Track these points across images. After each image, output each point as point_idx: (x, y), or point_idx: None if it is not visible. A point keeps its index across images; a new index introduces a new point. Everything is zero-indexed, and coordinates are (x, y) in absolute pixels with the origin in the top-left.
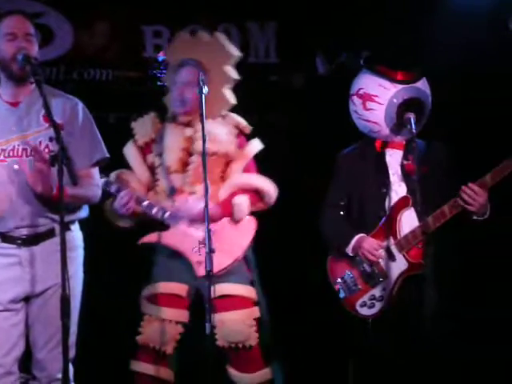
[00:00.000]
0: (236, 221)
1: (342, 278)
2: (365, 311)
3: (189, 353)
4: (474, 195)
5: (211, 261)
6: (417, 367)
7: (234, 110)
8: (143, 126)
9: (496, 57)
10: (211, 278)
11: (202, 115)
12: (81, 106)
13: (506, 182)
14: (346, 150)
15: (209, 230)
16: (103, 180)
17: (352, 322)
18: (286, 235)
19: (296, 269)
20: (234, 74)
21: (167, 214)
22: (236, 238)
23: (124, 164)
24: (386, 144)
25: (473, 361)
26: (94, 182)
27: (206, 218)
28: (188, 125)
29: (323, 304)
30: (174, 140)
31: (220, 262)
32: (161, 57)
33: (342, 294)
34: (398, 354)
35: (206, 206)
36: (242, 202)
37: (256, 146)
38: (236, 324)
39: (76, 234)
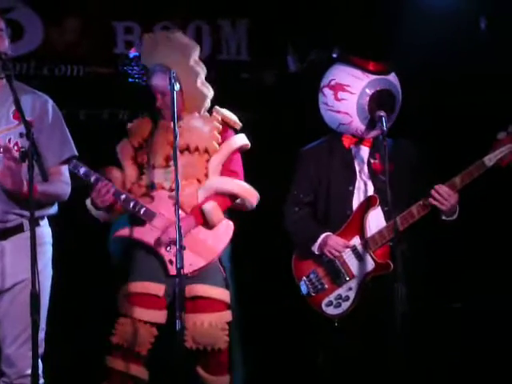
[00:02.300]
0: (210, 227)
1: (308, 277)
2: (331, 310)
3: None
4: (445, 196)
5: (182, 258)
6: (386, 366)
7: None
8: (138, 127)
9: (467, 57)
10: (181, 275)
11: (173, 113)
12: (51, 103)
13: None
14: (310, 145)
15: (179, 228)
16: (84, 169)
17: (319, 321)
18: (256, 233)
19: (267, 268)
20: (201, 66)
21: (143, 210)
22: (212, 241)
23: (96, 159)
24: (353, 140)
25: (445, 357)
26: (64, 180)
27: (176, 214)
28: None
29: (292, 302)
30: (160, 137)
31: (193, 263)
32: (132, 53)
33: (305, 292)
34: (365, 353)
35: (177, 203)
36: (211, 210)
37: (240, 139)
38: (206, 327)
39: (45, 230)
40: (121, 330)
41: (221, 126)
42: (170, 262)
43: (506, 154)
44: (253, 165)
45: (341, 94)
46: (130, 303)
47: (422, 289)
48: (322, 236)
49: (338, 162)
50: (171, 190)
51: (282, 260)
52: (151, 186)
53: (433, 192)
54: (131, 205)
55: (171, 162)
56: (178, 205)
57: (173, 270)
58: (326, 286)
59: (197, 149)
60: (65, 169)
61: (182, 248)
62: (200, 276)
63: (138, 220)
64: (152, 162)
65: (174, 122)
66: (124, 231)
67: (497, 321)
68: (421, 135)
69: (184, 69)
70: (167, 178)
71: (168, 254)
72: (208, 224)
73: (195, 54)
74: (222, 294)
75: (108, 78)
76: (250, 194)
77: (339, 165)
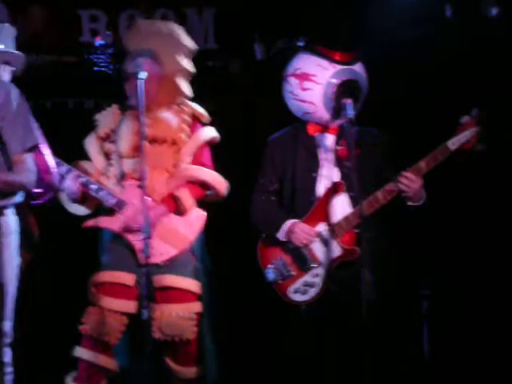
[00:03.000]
0: (181, 213)
1: (274, 264)
2: (297, 297)
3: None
4: (409, 182)
5: (149, 248)
6: (352, 352)
7: None
8: (105, 117)
9: (432, 45)
10: (148, 265)
11: (140, 101)
12: (15, 91)
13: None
14: (276, 134)
15: (147, 219)
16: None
17: (285, 308)
18: (225, 222)
19: (230, 254)
20: (189, 67)
21: (114, 200)
22: (184, 230)
23: (61, 148)
24: (318, 128)
25: (412, 343)
26: (28, 168)
27: (143, 206)
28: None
29: (256, 290)
30: (128, 126)
31: (164, 253)
32: (98, 41)
33: (271, 279)
34: (332, 339)
35: (143, 189)
36: (183, 196)
37: (209, 133)
38: (174, 317)
39: (10, 219)
40: (89, 319)
41: (190, 119)
42: (142, 251)
43: (469, 138)
44: (219, 152)
45: (306, 84)
46: (100, 292)
47: (390, 276)
48: (288, 223)
49: (302, 150)
50: (140, 180)
51: (251, 248)
52: (121, 176)
53: (399, 177)
54: (102, 194)
55: (139, 152)
56: (144, 193)
57: (144, 260)
58: (293, 273)
59: (165, 140)
60: (29, 157)
61: (148, 238)
62: (171, 266)
63: (109, 210)
64: (120, 151)
65: (142, 111)
66: (96, 221)
67: (464, 307)
68: (386, 122)
69: (172, 63)
70: (136, 167)
71: (139, 243)
72: (179, 212)
73: (188, 52)
74: (192, 284)
75: (74, 67)
76: (220, 183)
77: (304, 152)
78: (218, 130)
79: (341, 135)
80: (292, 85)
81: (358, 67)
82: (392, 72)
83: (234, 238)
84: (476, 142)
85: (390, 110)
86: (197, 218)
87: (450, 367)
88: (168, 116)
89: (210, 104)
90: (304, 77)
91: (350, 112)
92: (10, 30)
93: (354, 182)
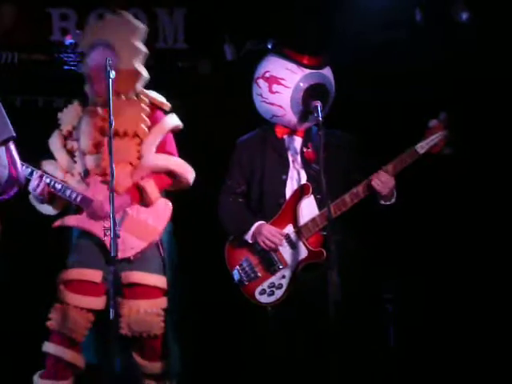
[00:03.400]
0: (147, 204)
1: (241, 265)
2: (264, 299)
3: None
4: (383, 181)
5: (116, 247)
6: (320, 352)
7: None
8: (67, 115)
9: (401, 49)
10: (115, 262)
11: (109, 100)
12: None
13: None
14: (245, 136)
15: (114, 218)
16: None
17: (251, 309)
18: (195, 221)
19: (197, 256)
20: (142, 48)
21: (79, 198)
22: (152, 221)
23: (30, 147)
24: (286, 131)
25: (377, 344)
26: (1, 162)
27: (111, 204)
28: (103, 105)
29: (224, 291)
30: (89, 122)
31: (135, 246)
32: (68, 40)
33: (237, 280)
34: (299, 340)
35: (112, 191)
36: (148, 186)
37: (171, 121)
38: (141, 314)
39: None
40: (56, 315)
41: (148, 109)
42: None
43: (437, 142)
44: (188, 153)
45: (275, 87)
46: (67, 290)
47: (356, 278)
48: (256, 225)
49: (270, 152)
50: (104, 175)
51: (218, 248)
52: (84, 173)
53: (373, 178)
54: (68, 193)
55: (102, 148)
56: (112, 192)
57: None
58: (259, 274)
59: (126, 133)
60: (1, 151)
61: (116, 236)
62: (138, 262)
63: (77, 208)
64: (82, 148)
65: (110, 110)
66: (65, 220)
67: (430, 309)
68: (356, 125)
69: (126, 48)
70: (98, 163)
71: (107, 238)
72: (145, 203)
73: (140, 34)
74: (159, 280)
75: (44, 65)
76: (185, 170)
77: (272, 154)
78: (187, 131)
79: (308, 138)
80: (261, 87)
81: (326, 71)
82: (362, 75)
83: (203, 234)
84: (444, 145)
85: (359, 113)
86: (164, 208)
87: (417, 367)
88: (126, 108)
89: (180, 103)
90: (273, 80)
91: (320, 114)
92: None
93: (323, 185)
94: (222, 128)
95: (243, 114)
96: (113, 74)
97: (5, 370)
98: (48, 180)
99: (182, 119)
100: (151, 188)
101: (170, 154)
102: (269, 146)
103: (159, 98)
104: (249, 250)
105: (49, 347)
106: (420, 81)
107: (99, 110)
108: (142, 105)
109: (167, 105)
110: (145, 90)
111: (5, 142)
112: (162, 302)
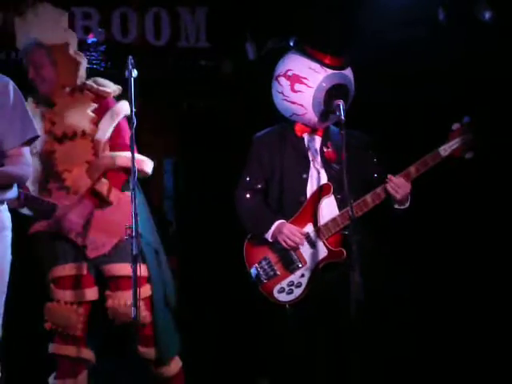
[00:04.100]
0: (110, 204)
1: (260, 263)
2: (282, 297)
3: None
4: (399, 186)
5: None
6: (338, 352)
7: (159, 94)
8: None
9: (425, 51)
10: (137, 260)
11: (131, 100)
12: (12, 84)
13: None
14: (261, 132)
15: (136, 215)
16: None
17: (270, 308)
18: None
19: (215, 253)
20: (71, 34)
21: (44, 204)
22: (117, 218)
23: None
24: (306, 129)
25: (399, 344)
26: (25, 161)
27: (132, 202)
28: (50, 104)
29: (241, 289)
30: (39, 126)
31: (106, 243)
32: (90, 39)
33: (256, 278)
34: (316, 339)
35: (133, 189)
36: (103, 188)
37: (121, 109)
38: (122, 306)
39: (4, 215)
40: (49, 315)
41: (95, 104)
42: (84, 246)
43: (460, 145)
44: (211, 151)
45: (297, 86)
46: (56, 287)
47: (379, 278)
48: (276, 223)
49: (290, 150)
50: (62, 180)
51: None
52: (46, 179)
53: (388, 182)
54: (32, 200)
55: (54, 154)
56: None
57: (90, 253)
58: (278, 273)
59: (75, 133)
60: (26, 150)
61: (138, 235)
62: (116, 254)
63: (42, 214)
64: (37, 153)
65: (132, 105)
66: (38, 226)
67: (451, 309)
68: (376, 126)
69: (55, 37)
70: (55, 170)
71: (79, 239)
72: (105, 201)
73: (64, 21)
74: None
75: None
76: (141, 165)
77: (292, 153)
78: (211, 129)
79: (327, 137)
80: (283, 85)
81: (348, 72)
82: (381, 75)
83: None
84: (466, 149)
85: (380, 114)
86: (125, 202)
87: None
88: (71, 107)
89: (202, 102)
90: (296, 79)
91: (342, 113)
92: None
93: (345, 185)
94: (244, 126)
95: (265, 112)
96: (135, 72)
97: (22, 376)
98: (14, 194)
99: (205, 118)
100: (108, 190)
101: (124, 145)
102: (288, 145)
103: (104, 86)
104: (268, 248)
105: (53, 348)
106: (440, 81)
107: (47, 111)
108: (88, 100)
109: (114, 90)
110: (89, 82)
111: (29, 142)
112: (146, 289)
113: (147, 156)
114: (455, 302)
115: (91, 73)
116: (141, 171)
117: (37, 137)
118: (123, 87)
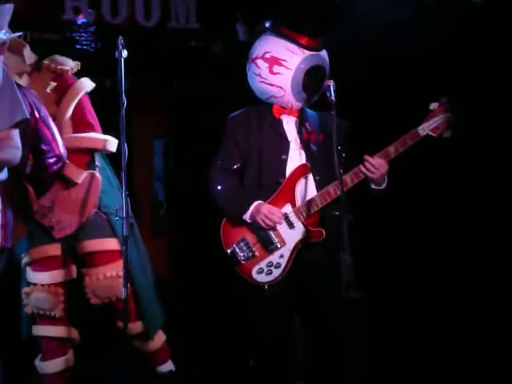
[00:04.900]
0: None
1: (238, 244)
2: (261, 278)
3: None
4: (376, 165)
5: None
6: (316, 333)
7: (149, 75)
8: None
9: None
10: (126, 242)
11: (121, 82)
12: (0, 65)
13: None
14: (236, 113)
15: (126, 197)
16: None
17: (248, 288)
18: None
19: (205, 234)
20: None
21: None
22: (83, 196)
23: None
24: (282, 111)
25: (383, 326)
26: (14, 144)
27: (123, 183)
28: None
29: (220, 271)
30: None
31: (72, 223)
32: (80, 19)
33: (234, 259)
34: (294, 320)
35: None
36: (68, 172)
37: (82, 86)
38: (101, 280)
39: None
40: (28, 298)
41: (54, 83)
42: (51, 227)
43: (438, 124)
44: (201, 132)
45: (276, 68)
46: (32, 270)
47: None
48: (255, 204)
49: (269, 131)
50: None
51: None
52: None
53: (364, 162)
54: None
55: None
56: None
57: (57, 234)
58: (257, 254)
59: (42, 116)
60: (15, 133)
61: (129, 216)
62: (86, 231)
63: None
64: None
65: (122, 90)
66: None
67: (444, 293)
68: (359, 108)
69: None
70: None
71: (46, 220)
72: (71, 182)
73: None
74: (111, 243)
75: (56, 45)
76: (104, 145)
77: (271, 134)
78: (201, 109)
79: (303, 118)
80: (260, 68)
81: (324, 53)
82: (364, 57)
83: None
84: (444, 128)
85: (360, 95)
86: (90, 180)
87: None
88: (30, 87)
89: (192, 83)
90: (274, 61)
91: (333, 94)
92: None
93: (319, 165)
94: (234, 107)
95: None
96: (125, 53)
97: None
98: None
99: (195, 98)
100: (72, 171)
101: (88, 124)
102: (266, 126)
103: (64, 63)
104: (247, 229)
105: (37, 329)
106: (420, 62)
107: None
108: (47, 79)
109: (72, 67)
110: (46, 60)
111: (18, 124)
112: (120, 264)
113: (138, 137)
114: (440, 282)
115: (81, 54)
116: (103, 150)
117: (26, 119)
118: (113, 68)
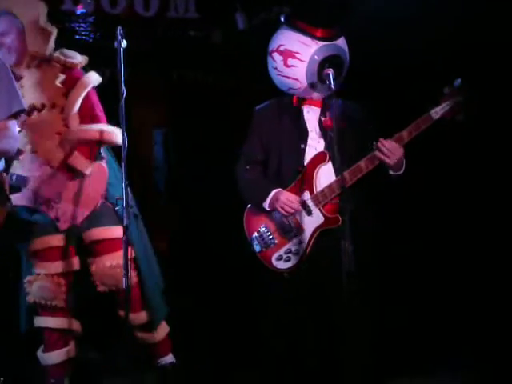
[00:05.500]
0: (82, 175)
1: (258, 232)
2: (281, 265)
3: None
4: (390, 149)
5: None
6: (332, 319)
7: (149, 65)
8: None
9: (417, 19)
10: (127, 232)
11: (120, 72)
12: None
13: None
14: (261, 106)
15: (126, 187)
16: None
17: (268, 275)
18: (206, 191)
19: (205, 224)
20: (42, 5)
21: (14, 178)
22: (91, 188)
23: None
24: (303, 101)
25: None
26: (11, 134)
27: (123, 172)
28: (18, 79)
29: (233, 258)
30: None
31: (79, 214)
32: (79, 10)
33: (257, 248)
34: (313, 306)
35: (124, 161)
36: (74, 161)
37: (89, 80)
38: (107, 268)
39: None
40: (30, 288)
41: (63, 75)
42: (57, 219)
43: (451, 108)
44: (201, 122)
45: (290, 61)
46: (35, 260)
47: (370, 248)
48: (273, 192)
49: (289, 122)
50: (33, 151)
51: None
52: (16, 152)
53: (378, 145)
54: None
55: (24, 126)
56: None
57: (61, 225)
58: (276, 241)
59: (44, 106)
60: (12, 123)
61: (128, 206)
62: (93, 220)
63: (14, 188)
64: None
65: (121, 81)
66: None
67: (444, 280)
68: (372, 94)
69: (25, 6)
70: (24, 141)
71: (51, 211)
72: (79, 174)
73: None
74: (117, 231)
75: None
76: (110, 135)
77: (291, 124)
78: (201, 99)
79: (325, 107)
80: (276, 61)
81: (340, 41)
82: (377, 42)
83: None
84: (458, 112)
85: (373, 81)
86: (98, 172)
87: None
88: (39, 79)
89: (192, 72)
90: (288, 54)
91: (332, 83)
92: None
93: (338, 152)
94: (233, 97)
95: (255, 83)
96: (124, 43)
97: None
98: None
99: (194, 88)
100: (80, 163)
101: (95, 116)
102: (287, 116)
103: (73, 57)
104: (267, 217)
105: (39, 321)
106: (436, 46)
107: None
108: (55, 71)
109: (81, 61)
110: (56, 53)
111: (16, 115)
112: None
113: (138, 127)
114: (449, 272)
115: (80, 44)
116: (111, 143)
117: (23, 110)
118: (113, 58)
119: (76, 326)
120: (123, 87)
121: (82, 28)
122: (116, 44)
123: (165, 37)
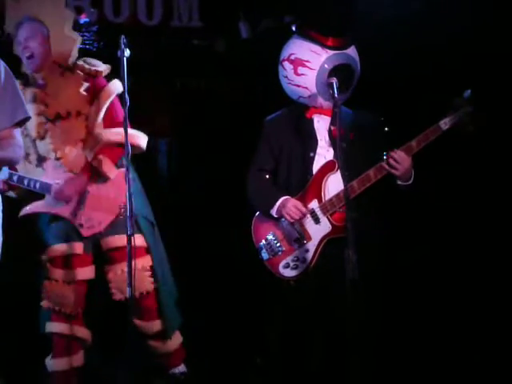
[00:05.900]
0: (106, 180)
1: (266, 240)
2: (288, 272)
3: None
4: (398, 160)
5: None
6: (337, 328)
7: (152, 73)
8: None
9: (429, 29)
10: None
11: (123, 80)
12: (2, 65)
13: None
14: (273, 115)
15: (130, 196)
16: None
17: (275, 283)
18: (213, 199)
19: (209, 232)
20: (69, 13)
21: (38, 185)
22: (113, 195)
23: None
24: (314, 110)
25: (394, 321)
26: (16, 143)
27: (126, 182)
28: (41, 86)
29: (246, 266)
30: (31, 108)
31: (102, 221)
32: (82, 19)
33: (264, 256)
34: (319, 314)
35: (127, 169)
36: (100, 163)
37: (113, 88)
38: (124, 273)
39: None
40: (46, 293)
41: (87, 84)
42: (80, 225)
43: (460, 119)
44: (204, 131)
45: (300, 69)
46: (52, 266)
47: (375, 256)
48: (281, 199)
49: (299, 131)
50: (57, 158)
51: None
52: (39, 159)
53: (387, 157)
54: (26, 183)
55: (47, 133)
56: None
57: (85, 232)
58: (284, 248)
59: (69, 113)
60: (17, 132)
61: (132, 215)
62: (112, 228)
63: (38, 195)
64: (30, 135)
65: (125, 89)
66: (30, 208)
67: (450, 289)
68: (381, 104)
69: (51, 13)
70: (48, 148)
71: (75, 219)
72: (102, 178)
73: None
74: (137, 239)
75: None
76: (136, 139)
77: (300, 134)
78: (205, 108)
79: (335, 116)
80: (286, 70)
81: (351, 51)
82: (387, 52)
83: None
84: (467, 123)
85: (383, 91)
86: (122, 178)
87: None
88: (63, 87)
89: (195, 81)
90: (298, 62)
91: (336, 91)
92: None
93: (346, 162)
94: (237, 105)
95: (259, 91)
96: (128, 52)
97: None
98: (3, 176)
99: (198, 97)
100: (106, 165)
101: (117, 123)
102: (297, 126)
103: (95, 65)
104: (274, 225)
105: (50, 326)
106: (445, 56)
107: (39, 92)
108: (79, 80)
109: (104, 70)
110: (80, 62)
111: (20, 123)
112: (146, 259)
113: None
114: (455, 282)
115: (84, 53)
116: (136, 146)
117: (28, 118)
118: (116, 67)
119: (86, 334)
120: (127, 96)
121: (85, 37)
122: (119, 53)
123: (168, 46)
